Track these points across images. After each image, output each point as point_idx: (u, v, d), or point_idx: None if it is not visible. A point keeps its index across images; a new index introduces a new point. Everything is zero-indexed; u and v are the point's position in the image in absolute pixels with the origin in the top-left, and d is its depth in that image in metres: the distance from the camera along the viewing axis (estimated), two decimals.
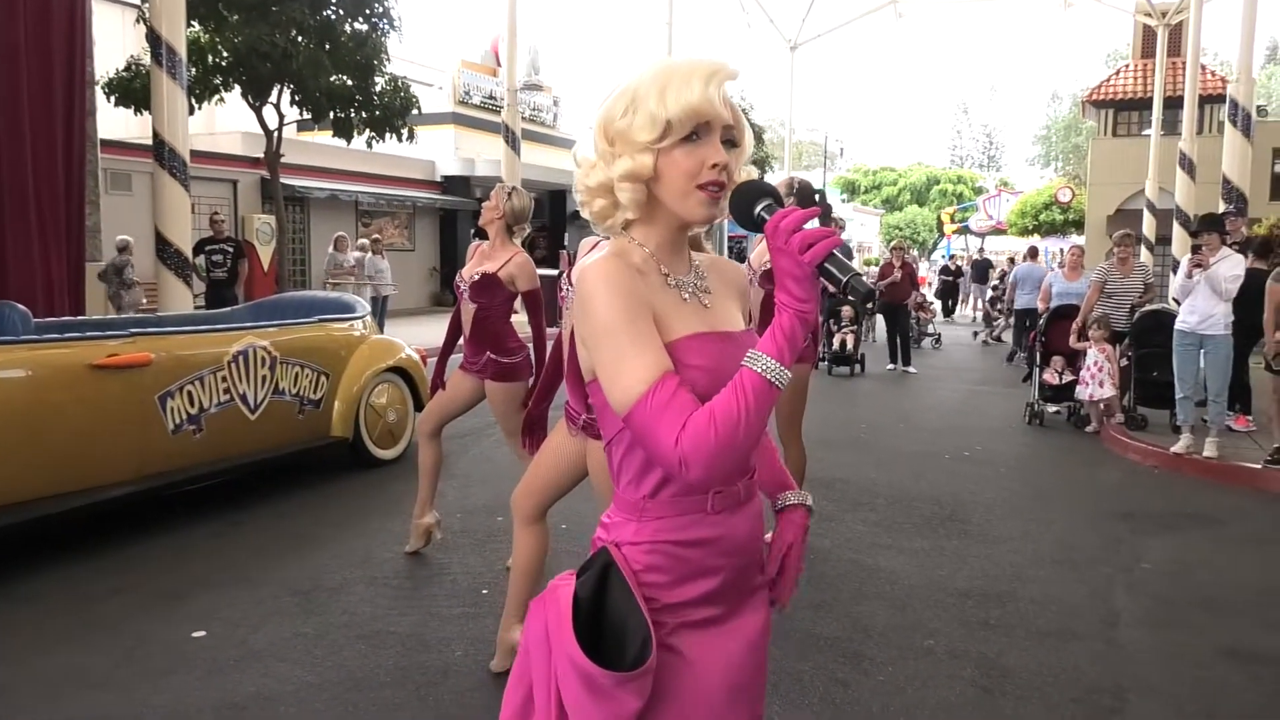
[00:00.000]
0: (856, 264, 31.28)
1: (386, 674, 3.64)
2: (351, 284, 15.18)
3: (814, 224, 1.54)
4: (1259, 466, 7.12)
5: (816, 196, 5.19)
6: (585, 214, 1.62)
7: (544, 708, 1.51)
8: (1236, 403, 8.29)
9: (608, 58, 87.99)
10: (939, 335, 17.65)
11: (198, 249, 11.17)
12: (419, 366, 7.46)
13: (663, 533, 1.52)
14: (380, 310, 14.87)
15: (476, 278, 4.69)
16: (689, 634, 1.54)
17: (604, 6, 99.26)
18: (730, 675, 1.56)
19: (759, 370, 1.39)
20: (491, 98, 26.84)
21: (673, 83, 1.49)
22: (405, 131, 15.57)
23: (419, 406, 7.43)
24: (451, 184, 25.13)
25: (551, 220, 30.21)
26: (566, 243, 29.30)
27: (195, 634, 3.97)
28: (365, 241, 16.94)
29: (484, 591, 4.53)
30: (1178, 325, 7.53)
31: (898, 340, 13.52)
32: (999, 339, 18.27)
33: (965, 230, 44.39)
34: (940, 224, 48.01)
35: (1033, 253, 18.28)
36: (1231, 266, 7.13)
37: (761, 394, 1.38)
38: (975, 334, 19.75)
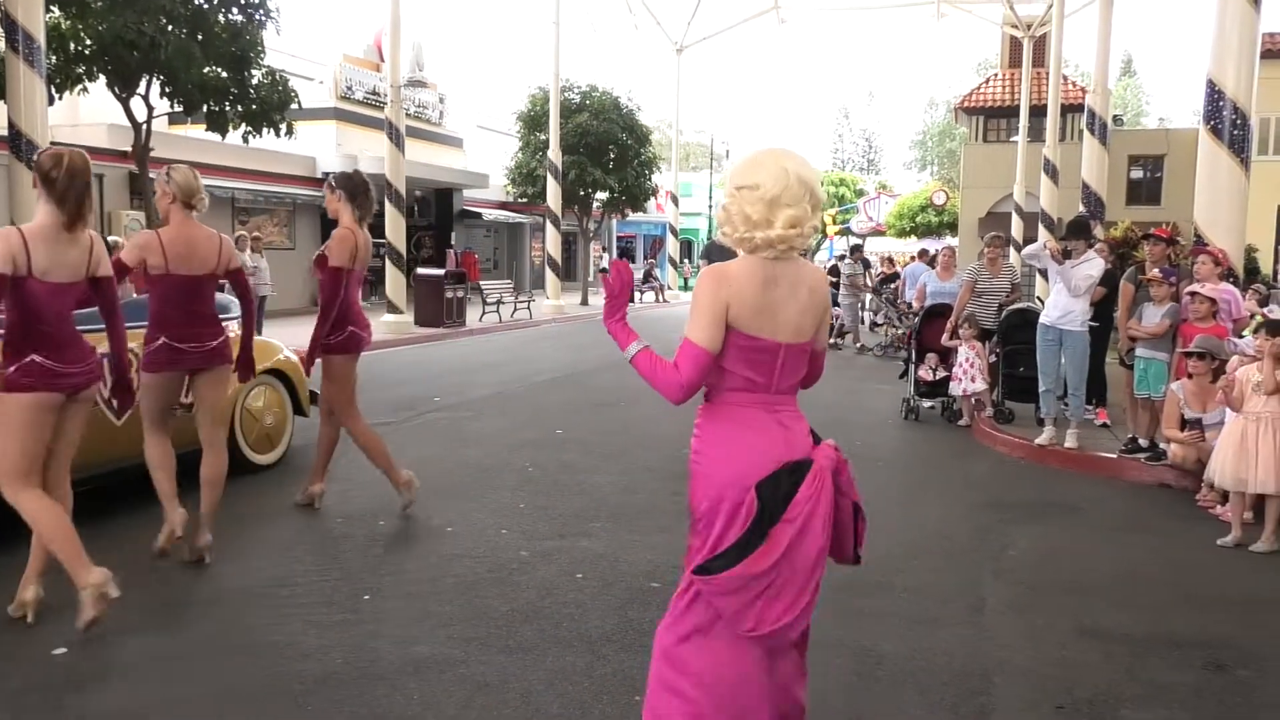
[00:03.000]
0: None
1: (261, 685, 3.54)
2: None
3: None
4: (1115, 456, 7.54)
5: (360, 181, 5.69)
6: (796, 245, 2.59)
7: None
8: (1093, 397, 8.74)
9: (494, 56, 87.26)
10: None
11: None
12: (298, 369, 7.25)
13: None
14: (259, 310, 14.62)
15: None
16: None
17: (490, 4, 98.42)
18: None
19: None
20: (375, 93, 26.31)
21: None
22: (284, 126, 15.12)
23: (298, 410, 7.24)
24: None
25: (438, 219, 29.79)
26: (453, 241, 28.95)
27: (56, 651, 3.79)
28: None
29: (365, 597, 4.45)
30: (1041, 320, 7.92)
31: None
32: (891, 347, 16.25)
33: (847, 231, 45.63)
34: (823, 225, 49.23)
35: (921, 254, 18.89)
36: (1088, 268, 7.52)
37: None
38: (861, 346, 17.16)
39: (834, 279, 19.96)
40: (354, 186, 5.56)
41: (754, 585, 2.54)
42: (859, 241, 23.92)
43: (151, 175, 15.01)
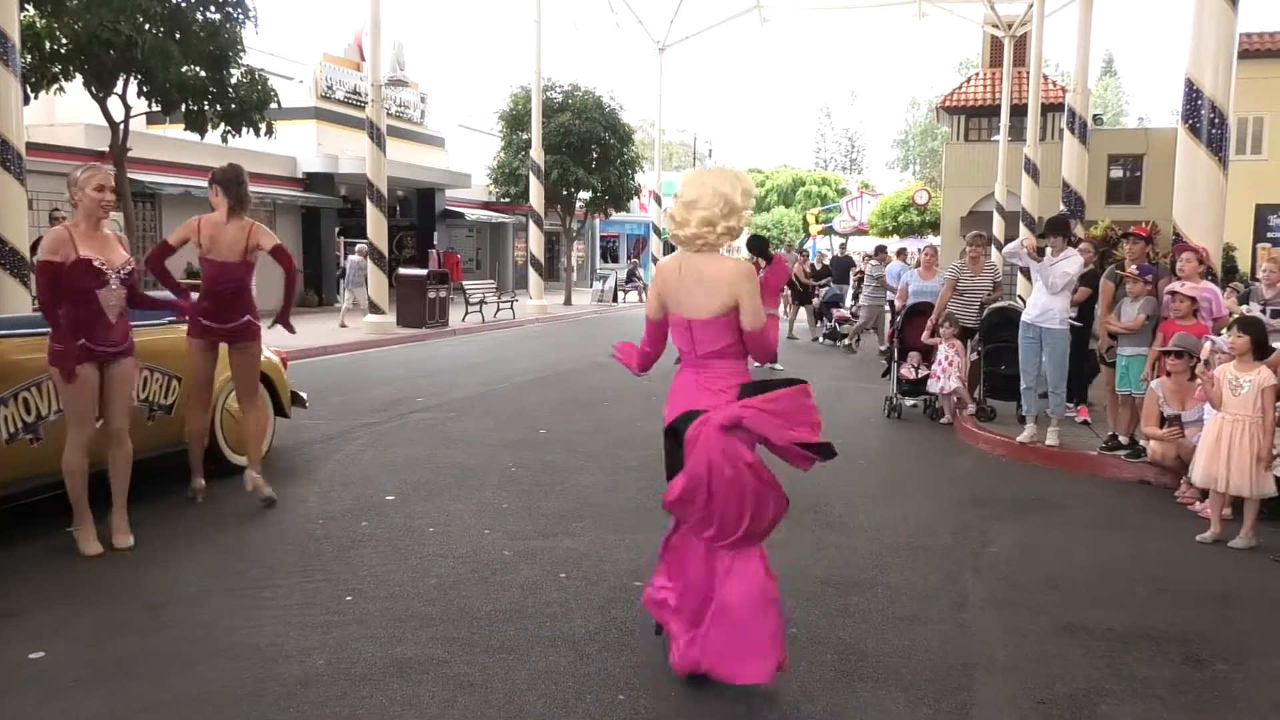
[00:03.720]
0: None
1: (243, 687, 3.51)
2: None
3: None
4: (1095, 454, 7.59)
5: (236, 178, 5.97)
6: (710, 241, 3.42)
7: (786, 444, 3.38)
8: (1075, 395, 8.79)
9: (475, 55, 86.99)
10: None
11: (37, 247, 10.51)
12: (279, 369, 7.22)
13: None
14: None
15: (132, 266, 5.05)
16: None
17: (471, 3, 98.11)
18: None
19: (776, 315, 3.49)
20: (356, 93, 26.19)
21: (746, 177, 3.50)
22: (263, 126, 15.01)
23: (279, 411, 7.20)
24: (314, 181, 24.39)
25: (420, 219, 29.68)
26: (435, 241, 28.85)
27: (33, 655, 3.74)
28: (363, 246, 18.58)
29: (348, 598, 4.43)
30: (1022, 318, 7.97)
31: None
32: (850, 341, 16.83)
33: (830, 231, 45.75)
34: (806, 225, 49.34)
35: (900, 252, 18.92)
36: (1066, 265, 7.56)
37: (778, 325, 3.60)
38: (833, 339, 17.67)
39: (820, 280, 19.76)
40: (225, 178, 5.91)
41: (690, 508, 3.43)
42: (884, 243, 23.28)
43: (131, 176, 14.93)
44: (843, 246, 24.21)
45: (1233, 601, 4.70)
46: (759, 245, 3.79)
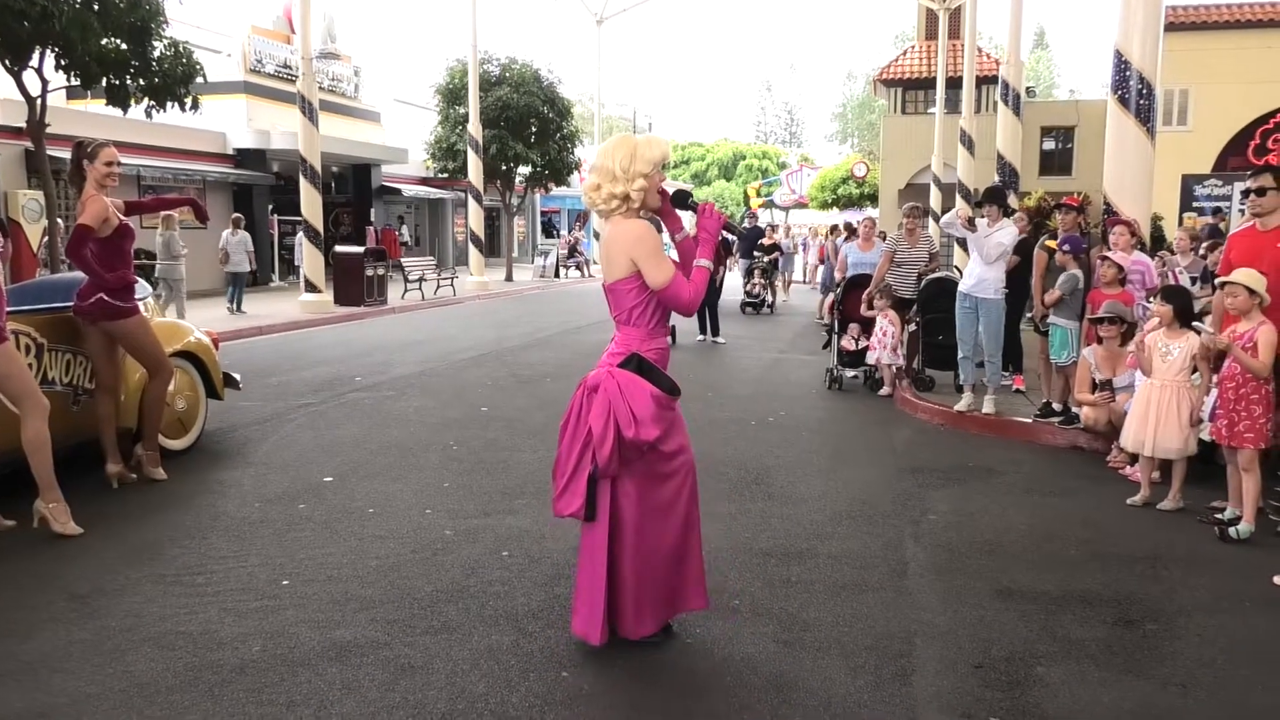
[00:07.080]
0: None
1: (175, 676, 3.42)
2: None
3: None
4: (1030, 421, 7.74)
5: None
6: (599, 207, 3.47)
7: (602, 432, 3.34)
8: (1010, 363, 8.94)
9: (410, 27, 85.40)
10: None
11: None
12: (210, 351, 7.03)
13: (654, 342, 3.47)
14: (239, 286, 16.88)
15: None
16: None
17: None
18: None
19: (706, 267, 3.47)
20: (286, 66, 25.56)
21: (653, 146, 3.44)
22: (189, 101, 14.56)
23: (211, 393, 7.02)
24: (245, 157, 23.80)
25: (356, 195, 29.16)
26: (373, 218, 28.37)
27: None
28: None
29: (285, 582, 4.34)
30: (959, 288, 8.07)
31: (706, 311, 13.79)
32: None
33: (771, 204, 45.90)
34: (747, 198, 49.45)
35: (841, 226, 18.99)
36: (1000, 236, 7.66)
37: (708, 276, 3.48)
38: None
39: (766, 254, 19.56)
40: (76, 154, 5.74)
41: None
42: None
43: (51, 153, 14.37)
44: (753, 218, 23.60)
45: (1161, 562, 4.82)
46: (680, 199, 3.61)
